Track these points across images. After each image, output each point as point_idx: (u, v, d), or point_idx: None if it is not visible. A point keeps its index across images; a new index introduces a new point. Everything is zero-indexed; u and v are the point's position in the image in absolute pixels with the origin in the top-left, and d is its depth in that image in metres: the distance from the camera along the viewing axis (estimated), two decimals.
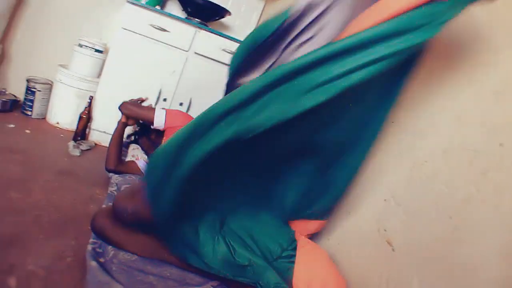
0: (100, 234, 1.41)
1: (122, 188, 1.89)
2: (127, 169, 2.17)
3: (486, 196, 1.08)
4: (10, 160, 2.01)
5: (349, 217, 1.62)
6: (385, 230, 1.37)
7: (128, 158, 2.33)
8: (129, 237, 1.39)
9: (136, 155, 2.32)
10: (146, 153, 2.36)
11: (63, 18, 3.00)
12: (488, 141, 1.13)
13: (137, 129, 2.48)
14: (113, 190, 1.89)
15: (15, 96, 2.85)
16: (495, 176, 1.08)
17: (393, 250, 1.32)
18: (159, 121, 2.13)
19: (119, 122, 2.25)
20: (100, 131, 2.77)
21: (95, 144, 2.73)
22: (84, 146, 2.55)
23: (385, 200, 1.42)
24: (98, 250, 1.39)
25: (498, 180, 1.07)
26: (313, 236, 1.71)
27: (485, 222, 1.07)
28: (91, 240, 1.42)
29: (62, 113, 2.84)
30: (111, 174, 2.12)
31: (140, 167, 2.22)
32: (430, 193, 1.25)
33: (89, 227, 1.46)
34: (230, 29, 3.31)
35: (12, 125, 2.52)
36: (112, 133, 2.24)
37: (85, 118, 2.64)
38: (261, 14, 3.34)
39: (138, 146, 2.45)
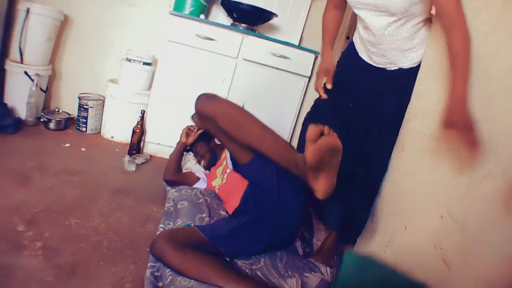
0: (159, 258, 1.37)
1: (179, 205, 1.85)
2: (184, 179, 2.14)
3: None
4: (68, 183, 2.03)
5: (405, 231, 1.50)
6: (441, 249, 1.25)
7: (183, 170, 2.30)
8: (188, 262, 1.34)
9: (190, 168, 2.30)
10: (199, 160, 2.32)
11: (107, 33, 3.05)
12: None
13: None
14: (170, 206, 1.86)
15: (68, 113, 2.91)
16: None
17: (448, 270, 1.19)
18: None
19: (178, 143, 2.26)
20: (154, 143, 2.77)
21: (150, 156, 2.73)
22: (139, 160, 2.55)
23: (441, 217, 1.29)
24: (156, 273, 1.37)
25: None
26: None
27: None
28: (149, 264, 1.40)
29: (116, 127, 2.88)
30: (168, 188, 2.09)
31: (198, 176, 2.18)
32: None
33: (148, 249, 1.42)
34: (278, 30, 3.22)
35: (67, 144, 2.56)
36: (166, 144, 2.23)
37: (139, 132, 2.64)
38: (308, 11, 3.22)
39: (190, 158, 2.41)
